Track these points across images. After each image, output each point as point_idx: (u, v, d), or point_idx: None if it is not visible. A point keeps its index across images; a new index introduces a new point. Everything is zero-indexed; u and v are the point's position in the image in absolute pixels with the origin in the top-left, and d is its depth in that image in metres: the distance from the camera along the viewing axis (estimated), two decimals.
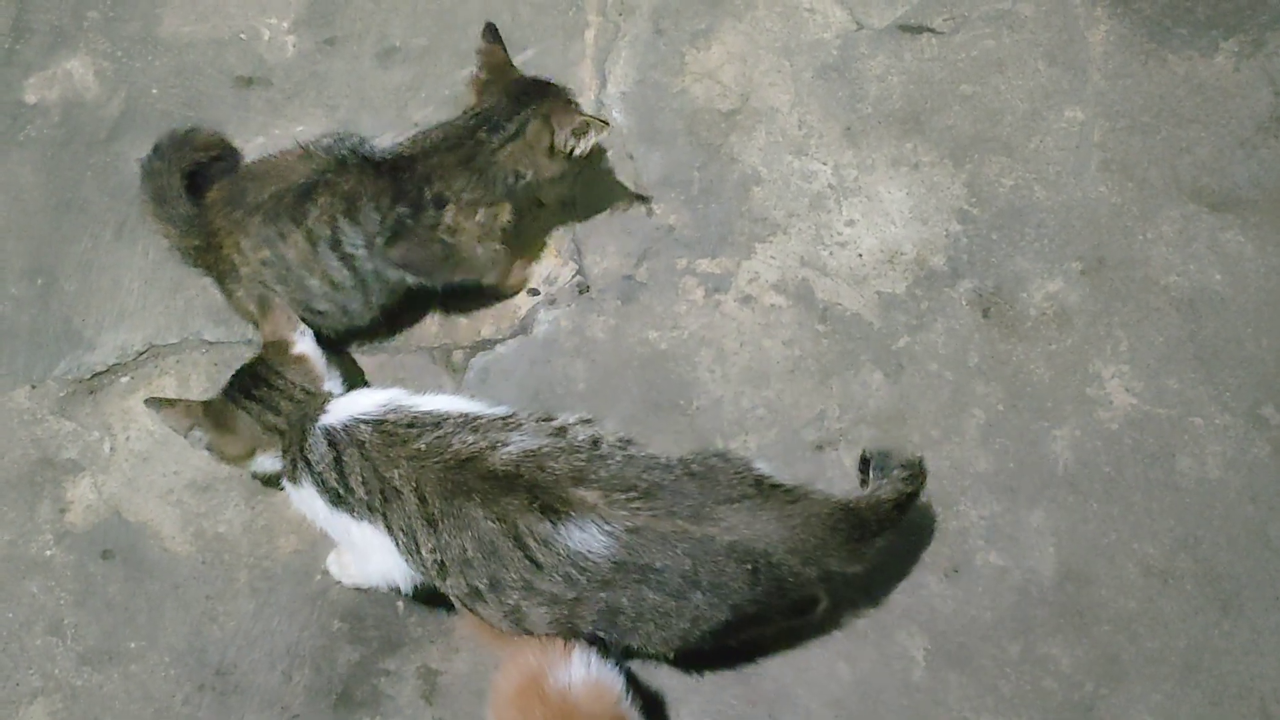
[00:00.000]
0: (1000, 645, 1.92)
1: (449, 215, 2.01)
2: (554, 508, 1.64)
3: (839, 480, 2.01)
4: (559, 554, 1.64)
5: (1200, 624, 1.93)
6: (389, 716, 1.88)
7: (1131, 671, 1.90)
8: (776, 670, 1.90)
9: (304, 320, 1.99)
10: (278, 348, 1.86)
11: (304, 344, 1.86)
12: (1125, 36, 2.43)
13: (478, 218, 2.04)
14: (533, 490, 1.65)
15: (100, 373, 2.12)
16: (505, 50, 2.12)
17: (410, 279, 2.06)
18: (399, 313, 2.14)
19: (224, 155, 2.23)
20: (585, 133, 2.04)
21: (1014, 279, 2.20)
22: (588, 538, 1.63)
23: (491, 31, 2.12)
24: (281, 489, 1.87)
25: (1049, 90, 2.38)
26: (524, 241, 2.21)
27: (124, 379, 2.12)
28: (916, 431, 2.07)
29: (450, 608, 1.88)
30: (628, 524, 1.63)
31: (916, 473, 1.79)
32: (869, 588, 1.94)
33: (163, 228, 2.07)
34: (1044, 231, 2.24)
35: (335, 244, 1.96)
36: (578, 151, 2.06)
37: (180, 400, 1.86)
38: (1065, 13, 2.46)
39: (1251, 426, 2.07)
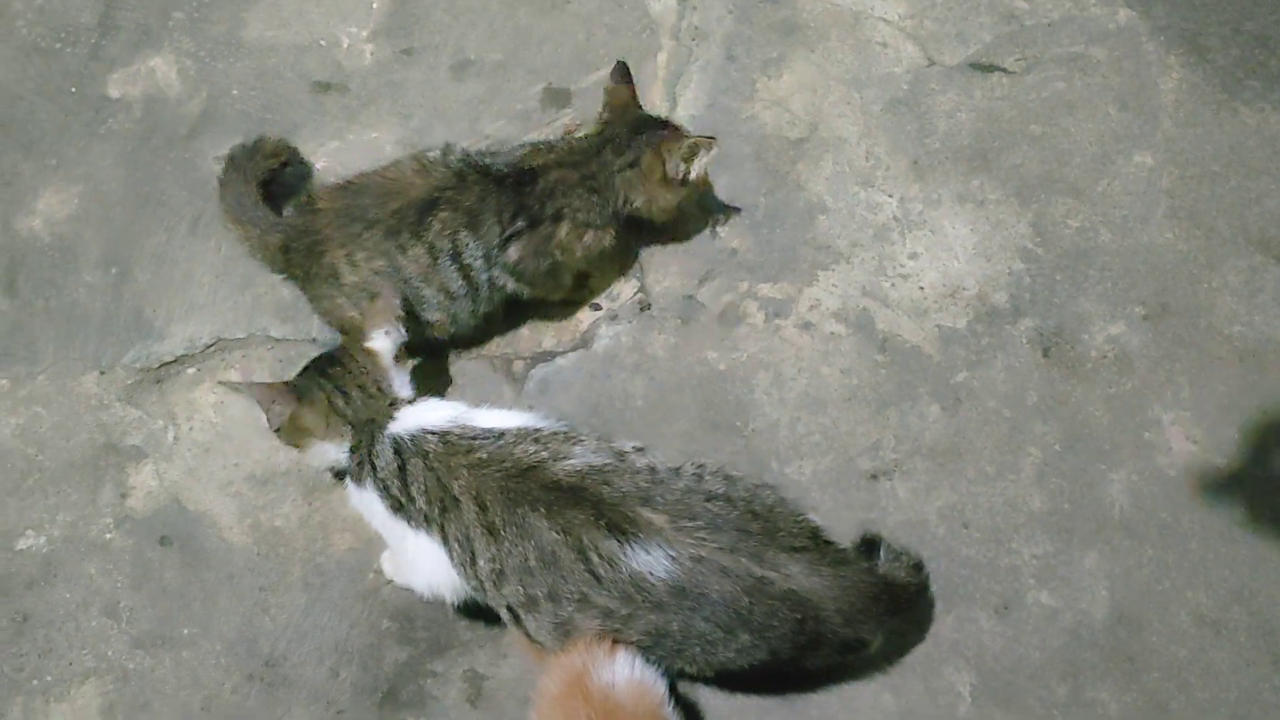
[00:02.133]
0: (1048, 686, 1.91)
1: (563, 231, 2.04)
2: (621, 526, 1.65)
3: (893, 510, 2.02)
4: (621, 572, 1.65)
5: (1251, 677, 1.91)
6: (433, 718, 1.88)
7: None
8: (822, 698, 1.89)
9: (409, 327, 2.02)
10: (357, 337, 1.90)
11: (379, 342, 1.89)
12: (1197, 85, 2.43)
13: (585, 239, 2.07)
14: (598, 506, 1.67)
15: (168, 363, 2.16)
16: (633, 89, 2.15)
17: (512, 286, 2.08)
18: (497, 320, 2.17)
19: (291, 161, 2.26)
20: (695, 155, 2.08)
21: (1076, 320, 2.20)
22: (652, 560, 1.65)
23: (622, 70, 2.16)
24: (341, 483, 1.90)
25: (1119, 134, 2.38)
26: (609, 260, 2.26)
27: (190, 370, 2.16)
28: (972, 466, 2.06)
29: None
30: (693, 552, 1.65)
31: (919, 564, 1.88)
32: (919, 621, 1.94)
33: (242, 231, 2.10)
34: (1108, 274, 2.24)
35: (455, 256, 1.99)
36: (692, 176, 2.10)
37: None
38: (1138, 59, 2.46)
39: None
